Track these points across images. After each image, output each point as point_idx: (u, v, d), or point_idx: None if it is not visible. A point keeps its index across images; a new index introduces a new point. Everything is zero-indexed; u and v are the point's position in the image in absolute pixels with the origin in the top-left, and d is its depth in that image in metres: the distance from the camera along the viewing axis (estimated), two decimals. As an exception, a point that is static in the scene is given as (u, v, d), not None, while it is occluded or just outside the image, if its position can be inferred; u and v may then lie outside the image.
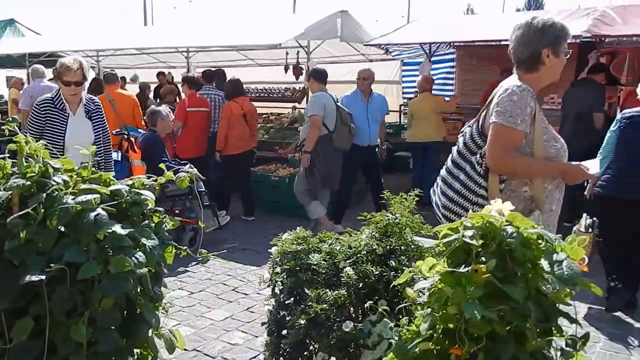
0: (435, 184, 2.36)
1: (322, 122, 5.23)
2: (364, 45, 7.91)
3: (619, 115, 3.83)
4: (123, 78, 9.50)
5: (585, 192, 3.93)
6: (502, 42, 6.64)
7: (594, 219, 3.73)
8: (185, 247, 1.92)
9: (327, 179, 5.42)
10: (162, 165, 1.97)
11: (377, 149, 5.94)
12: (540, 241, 1.29)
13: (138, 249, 1.61)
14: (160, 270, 1.76)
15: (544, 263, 1.25)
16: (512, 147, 2.02)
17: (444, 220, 2.20)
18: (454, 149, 2.27)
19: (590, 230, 3.69)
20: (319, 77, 5.46)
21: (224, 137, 5.99)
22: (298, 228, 2.43)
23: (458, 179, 2.17)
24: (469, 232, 1.30)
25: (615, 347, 3.38)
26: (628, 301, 3.84)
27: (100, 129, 3.63)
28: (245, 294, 4.13)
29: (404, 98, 10.12)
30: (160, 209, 1.85)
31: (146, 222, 1.74)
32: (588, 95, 5.63)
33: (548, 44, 2.06)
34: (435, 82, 8.47)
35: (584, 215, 3.81)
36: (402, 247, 2.20)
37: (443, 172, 2.29)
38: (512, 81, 2.11)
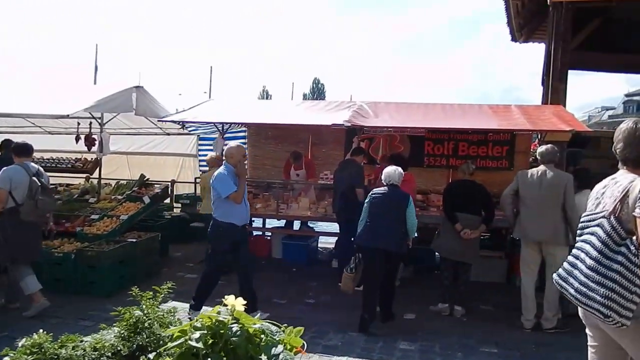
0: (572, 278, 2.41)
1: (10, 194, 5.17)
2: (158, 120, 8.20)
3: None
4: None
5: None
6: (286, 124, 7.70)
7: (357, 261, 5.38)
8: None
9: (22, 251, 5.31)
10: None
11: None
12: (262, 336, 1.37)
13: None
14: None
15: (264, 358, 1.34)
16: None
17: (605, 309, 2.22)
18: (593, 241, 2.33)
19: (353, 271, 5.38)
20: (18, 150, 5.46)
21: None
22: (35, 334, 2.16)
23: (612, 269, 2.23)
24: (197, 334, 1.33)
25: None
26: (385, 316, 5.33)
27: None
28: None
29: (200, 171, 10.54)
30: None
31: None
32: (351, 173, 6.81)
33: None
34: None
35: (352, 258, 5.42)
36: (153, 344, 2.10)
37: (588, 266, 2.32)
38: (631, 176, 2.37)
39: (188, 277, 6.98)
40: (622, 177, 2.41)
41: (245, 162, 5.57)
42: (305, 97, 59.31)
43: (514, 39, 13.42)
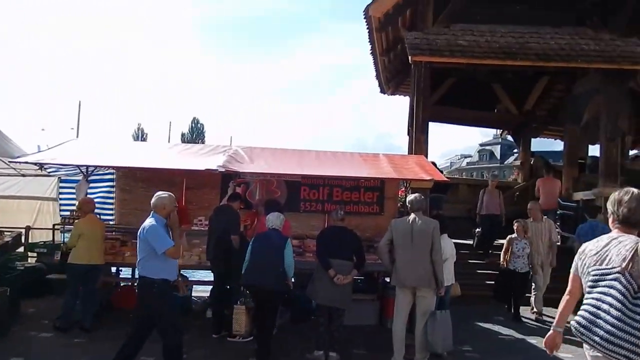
0: (597, 327, 2.54)
1: None
2: (10, 161, 7.42)
3: None
4: None
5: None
6: (158, 168, 7.37)
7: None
8: None
9: None
10: None
11: None
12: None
13: None
14: None
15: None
16: None
17: (634, 356, 2.42)
18: (614, 294, 2.52)
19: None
20: None
21: None
22: None
23: (636, 320, 2.44)
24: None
25: None
26: None
27: None
28: None
29: (61, 216, 9.62)
30: None
31: None
32: (228, 219, 6.67)
33: None
34: (95, 201, 8.49)
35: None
36: None
37: (614, 316, 2.48)
38: (633, 237, 2.65)
39: (42, 336, 6.22)
40: (624, 237, 2.68)
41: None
42: (183, 136, 57.83)
43: (382, 91, 14.51)
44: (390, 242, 5.66)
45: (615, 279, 2.55)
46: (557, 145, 15.49)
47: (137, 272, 4.94)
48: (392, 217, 8.13)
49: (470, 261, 9.82)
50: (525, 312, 8.02)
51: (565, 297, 2.95)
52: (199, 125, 60.58)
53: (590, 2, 10.06)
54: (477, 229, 10.26)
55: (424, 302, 5.50)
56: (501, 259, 8.00)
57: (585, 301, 2.68)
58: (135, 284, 8.35)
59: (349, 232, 6.10)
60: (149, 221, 4.73)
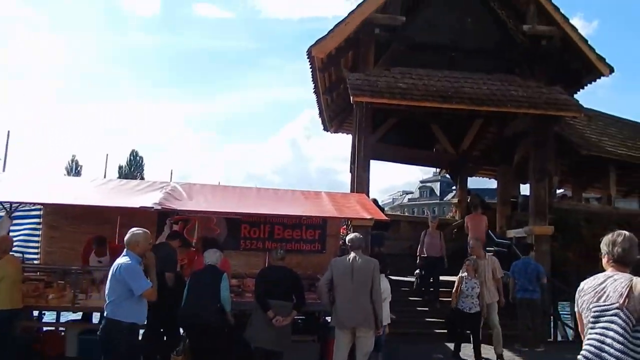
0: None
1: None
2: None
3: None
4: None
5: None
6: (89, 206, 7.02)
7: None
8: None
9: None
10: None
11: None
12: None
13: None
14: None
15: None
16: None
17: None
18: (615, 328, 2.73)
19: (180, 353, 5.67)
20: None
21: None
22: None
23: (637, 352, 2.69)
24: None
25: None
26: None
27: None
28: None
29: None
30: None
31: None
32: (163, 257, 6.38)
33: None
34: (18, 239, 7.95)
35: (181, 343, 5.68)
36: None
37: (617, 349, 2.70)
38: (627, 275, 2.86)
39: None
40: (619, 275, 2.92)
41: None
42: (121, 169, 55.86)
43: (326, 129, 14.72)
44: (330, 281, 5.60)
45: (615, 314, 2.79)
46: (494, 183, 16.14)
47: (105, 313, 4.61)
48: (334, 255, 8.11)
49: (410, 299, 9.90)
50: (489, 352, 7.72)
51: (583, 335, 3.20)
52: (137, 158, 58.82)
53: (518, 53, 10.75)
54: (417, 271, 10.09)
55: (364, 342, 5.44)
56: (452, 298, 7.75)
57: (588, 336, 2.90)
58: (61, 329, 7.84)
59: (289, 271, 6.01)
60: (124, 259, 4.47)
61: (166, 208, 6.25)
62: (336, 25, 9.51)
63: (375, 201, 11.94)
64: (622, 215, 12.48)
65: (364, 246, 5.87)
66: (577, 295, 3.07)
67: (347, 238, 5.94)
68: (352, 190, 10.00)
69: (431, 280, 9.90)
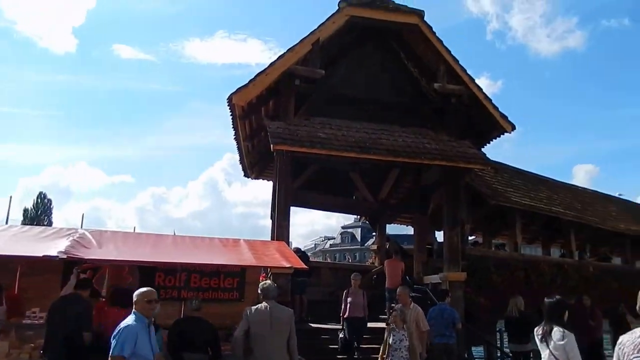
0: None
1: None
2: None
3: None
4: None
5: None
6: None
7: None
8: None
9: None
10: None
11: None
12: None
13: None
14: None
15: None
16: None
17: None
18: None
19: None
20: None
21: None
22: None
23: None
24: None
25: None
26: None
27: None
28: None
29: None
30: None
31: None
32: (78, 312, 5.90)
33: None
34: None
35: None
36: None
37: None
38: None
39: None
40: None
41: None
42: (26, 213, 51.83)
43: (246, 175, 14.71)
44: (246, 332, 5.47)
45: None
46: (412, 229, 16.71)
47: None
48: (252, 303, 7.95)
49: (330, 346, 9.84)
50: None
51: None
52: (45, 200, 54.98)
53: (430, 108, 11.49)
54: (340, 335, 9.44)
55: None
56: (380, 353, 7.28)
57: None
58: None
59: (205, 323, 5.84)
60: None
61: (72, 257, 5.90)
62: (257, 75, 9.72)
63: (298, 250, 11.99)
64: (527, 261, 13.40)
65: (276, 295, 5.80)
66: (616, 348, 3.35)
67: (260, 287, 5.86)
68: (272, 238, 9.96)
69: (355, 345, 9.30)
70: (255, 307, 5.70)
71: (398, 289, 8.34)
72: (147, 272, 8.17)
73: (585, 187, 19.85)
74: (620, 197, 20.32)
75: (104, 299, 7.35)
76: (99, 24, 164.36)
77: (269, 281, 5.91)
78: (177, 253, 6.78)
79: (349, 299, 9.31)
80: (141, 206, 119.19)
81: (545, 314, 4.47)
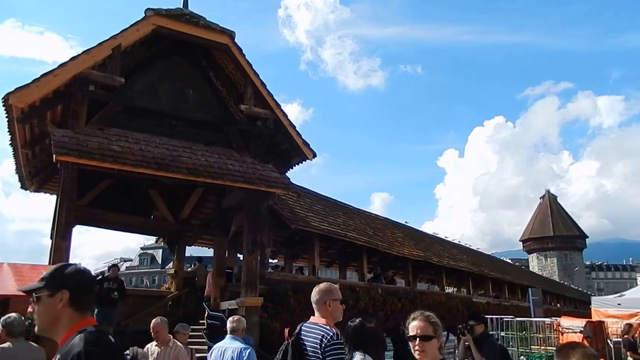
0: None
1: None
2: None
3: None
4: None
5: None
6: None
7: None
8: None
9: None
10: None
11: None
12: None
13: None
14: None
15: None
16: None
17: None
18: None
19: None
20: None
21: None
22: None
23: None
24: None
25: None
26: None
27: None
28: None
29: None
30: None
31: None
32: None
33: None
34: None
35: None
36: None
37: None
38: None
39: None
40: None
41: None
42: None
43: (23, 187, 12.72)
44: None
45: None
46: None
47: None
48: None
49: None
50: None
51: None
52: None
53: (236, 129, 11.39)
54: None
55: None
56: None
57: None
58: None
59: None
60: None
61: None
62: (42, 75, 8.49)
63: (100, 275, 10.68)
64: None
65: (24, 331, 4.78)
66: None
67: (3, 322, 4.63)
68: (50, 259, 8.63)
69: None
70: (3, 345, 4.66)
71: (152, 322, 5.78)
72: None
73: (379, 214, 21.80)
74: (406, 224, 22.75)
75: None
76: None
77: (14, 314, 4.82)
78: None
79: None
80: None
81: (348, 339, 4.06)
